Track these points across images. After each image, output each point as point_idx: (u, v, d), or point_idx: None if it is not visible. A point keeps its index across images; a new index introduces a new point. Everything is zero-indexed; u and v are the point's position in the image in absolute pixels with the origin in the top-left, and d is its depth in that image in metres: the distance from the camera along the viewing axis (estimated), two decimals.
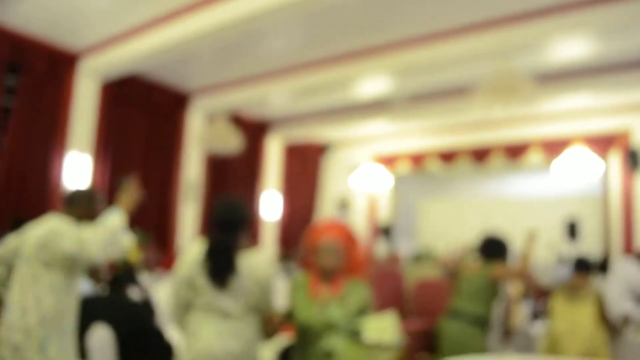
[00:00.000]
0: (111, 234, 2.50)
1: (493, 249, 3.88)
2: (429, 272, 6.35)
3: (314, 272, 2.56)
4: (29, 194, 6.52)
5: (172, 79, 8.06)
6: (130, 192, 2.63)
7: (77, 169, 6.85)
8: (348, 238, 2.58)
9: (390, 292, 5.49)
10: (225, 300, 2.26)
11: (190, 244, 2.45)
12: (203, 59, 7.23)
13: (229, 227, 2.36)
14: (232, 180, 9.49)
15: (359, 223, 11.10)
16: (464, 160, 10.06)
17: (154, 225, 7.93)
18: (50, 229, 2.46)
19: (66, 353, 2.46)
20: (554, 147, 8.99)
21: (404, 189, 11.72)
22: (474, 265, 3.91)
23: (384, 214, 11.11)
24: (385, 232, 10.65)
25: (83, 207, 2.69)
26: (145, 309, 3.41)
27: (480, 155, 9.91)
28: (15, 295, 2.41)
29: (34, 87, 6.65)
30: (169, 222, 8.30)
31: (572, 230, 8.79)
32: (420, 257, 7.26)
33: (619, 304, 4.27)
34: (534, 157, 9.39)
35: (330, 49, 6.81)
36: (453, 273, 4.02)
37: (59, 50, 6.79)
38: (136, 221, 7.46)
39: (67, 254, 2.40)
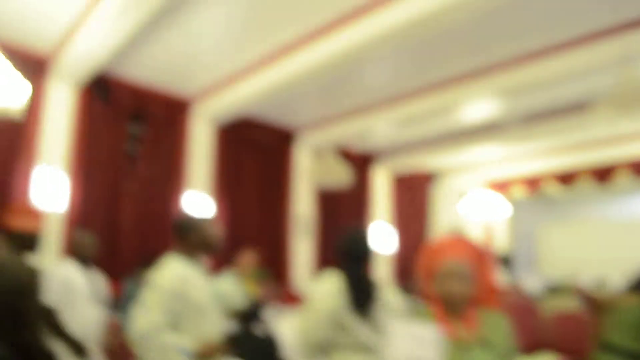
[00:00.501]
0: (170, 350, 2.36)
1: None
2: (568, 305, 5.86)
3: (435, 304, 2.04)
4: (154, 233, 6.96)
5: (279, 118, 8.32)
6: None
7: (197, 208, 7.22)
8: (477, 257, 2.10)
9: (524, 327, 5.10)
10: (367, 334, 2.20)
11: (318, 279, 2.40)
12: (307, 95, 7.41)
13: (362, 258, 2.33)
14: (342, 214, 9.53)
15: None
16: (585, 180, 9.40)
17: (269, 260, 8.10)
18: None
19: None
20: None
21: (521, 215, 11.13)
22: (630, 298, 3.46)
23: (501, 242, 10.59)
24: (504, 261, 10.13)
25: (195, 237, 2.62)
26: (272, 344, 3.44)
27: (603, 174, 9.22)
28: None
29: (155, 134, 7.16)
30: (283, 257, 8.44)
31: None
32: (557, 289, 6.74)
33: None
34: None
35: (433, 75, 6.71)
36: (600, 305, 3.59)
37: (175, 97, 7.27)
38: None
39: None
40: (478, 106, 7.34)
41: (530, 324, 5.15)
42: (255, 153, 8.34)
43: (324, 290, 2.29)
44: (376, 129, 8.42)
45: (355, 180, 8.81)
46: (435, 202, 11.42)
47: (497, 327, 2.01)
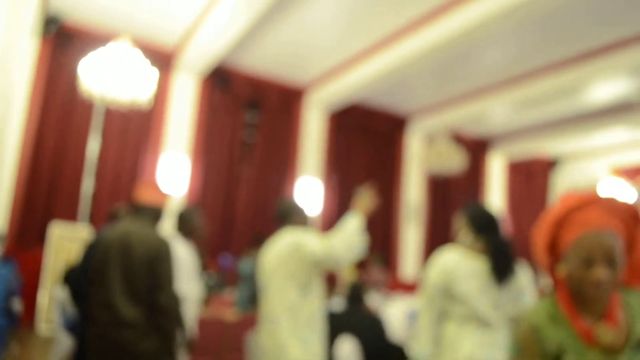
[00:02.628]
0: (352, 237, 2.49)
1: None
2: None
3: (563, 291, 1.36)
4: (269, 216, 7.18)
5: (390, 104, 8.24)
6: (367, 199, 2.61)
7: (308, 193, 7.35)
8: (632, 223, 1.38)
9: None
10: (498, 305, 2.12)
11: (438, 254, 2.33)
12: (419, 80, 7.28)
13: (494, 227, 2.23)
14: (454, 201, 9.28)
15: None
16: None
17: (378, 247, 8.08)
18: (292, 241, 2.56)
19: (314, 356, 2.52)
20: None
21: None
22: None
23: None
24: None
25: (297, 219, 2.77)
26: (378, 324, 3.42)
27: None
28: (266, 308, 2.58)
29: (270, 121, 7.40)
30: (393, 244, 8.39)
31: None
32: None
33: None
34: None
35: (556, 53, 6.31)
36: None
37: (289, 86, 7.45)
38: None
39: (316, 258, 2.47)
40: (606, 85, 6.80)
41: None
42: (366, 139, 8.35)
43: (438, 266, 2.22)
44: (492, 113, 8.08)
45: (469, 166, 8.53)
46: (557, 190, 10.75)
47: None
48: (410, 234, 8.63)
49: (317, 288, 2.58)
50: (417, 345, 2.24)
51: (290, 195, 7.36)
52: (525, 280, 2.22)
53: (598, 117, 8.18)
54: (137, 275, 2.25)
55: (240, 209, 7.12)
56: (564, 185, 10.68)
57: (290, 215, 2.78)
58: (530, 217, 10.28)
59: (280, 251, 2.59)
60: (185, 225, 3.18)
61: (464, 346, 2.11)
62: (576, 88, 6.82)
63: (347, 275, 6.48)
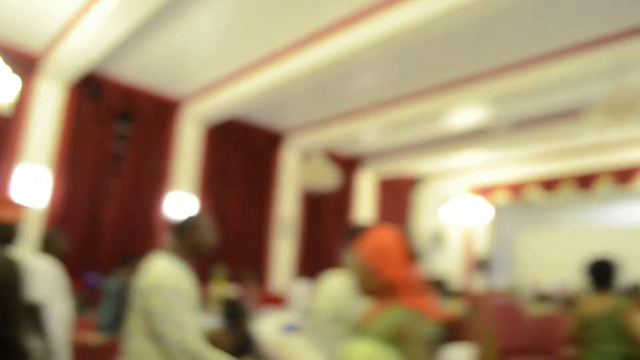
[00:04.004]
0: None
1: (605, 275, 3.42)
2: (549, 308, 6.01)
3: None
4: (136, 232, 6.90)
5: (268, 120, 8.32)
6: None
7: (181, 209, 7.14)
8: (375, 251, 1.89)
9: (511, 328, 5.17)
10: None
11: (327, 278, 2.38)
12: (297, 99, 7.43)
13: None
14: (327, 216, 9.55)
15: (455, 257, 10.77)
16: (566, 187, 9.57)
17: (251, 261, 8.10)
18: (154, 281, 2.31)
19: None
20: None
21: (502, 220, 11.26)
22: (596, 302, 3.40)
23: (481, 246, 10.71)
24: (482, 265, 10.25)
25: (191, 236, 2.50)
26: (251, 341, 3.43)
27: (585, 181, 9.39)
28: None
29: (142, 133, 7.11)
30: (264, 258, 8.45)
31: None
32: (543, 296, 6.85)
33: None
34: None
35: (422, 81, 6.78)
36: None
37: (164, 98, 7.23)
38: (233, 255, 7.75)
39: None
40: (465, 113, 7.42)
41: (517, 325, 5.24)
42: (243, 154, 8.33)
43: (331, 291, 2.28)
44: (363, 133, 8.47)
45: (341, 183, 8.83)
46: (418, 206, 11.51)
47: (381, 318, 1.75)
48: (283, 248, 8.73)
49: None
50: None
51: (161, 212, 7.11)
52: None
53: (457, 140, 8.90)
54: None
55: (107, 225, 6.73)
56: (425, 201, 11.47)
57: (183, 232, 2.50)
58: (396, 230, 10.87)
59: (142, 288, 2.35)
60: (49, 247, 2.96)
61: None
62: (438, 114, 7.36)
63: (217, 290, 6.38)
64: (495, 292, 8.67)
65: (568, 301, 7.13)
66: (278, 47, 5.86)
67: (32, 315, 2.08)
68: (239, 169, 8.27)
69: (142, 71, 6.58)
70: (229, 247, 7.79)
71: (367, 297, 1.81)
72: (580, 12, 4.92)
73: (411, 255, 1.74)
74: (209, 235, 2.55)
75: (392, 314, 1.68)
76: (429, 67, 6.34)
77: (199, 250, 2.50)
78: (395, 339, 1.64)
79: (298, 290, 7.35)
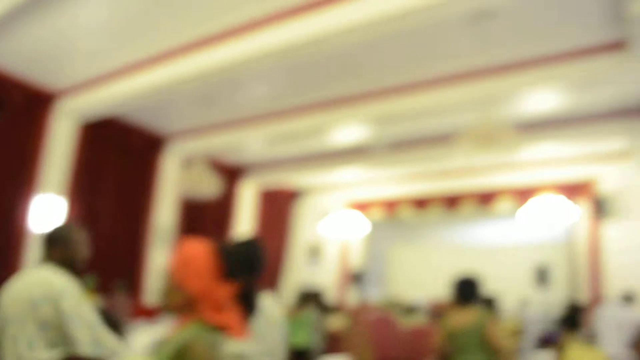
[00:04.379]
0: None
1: (468, 291, 3.74)
2: (419, 320, 6.35)
3: None
4: None
5: (149, 122, 8.00)
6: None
7: (47, 212, 6.62)
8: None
9: (384, 339, 5.39)
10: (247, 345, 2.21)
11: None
12: (181, 103, 7.24)
13: (254, 271, 2.30)
14: (206, 225, 9.36)
15: (331, 270, 11.04)
16: (435, 207, 10.22)
17: (124, 271, 7.70)
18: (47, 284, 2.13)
19: None
20: (523, 195, 9.23)
21: (377, 236, 11.75)
22: (461, 316, 3.70)
23: (356, 260, 11.08)
24: (356, 279, 10.60)
25: (63, 249, 2.30)
26: None
27: (451, 202, 10.09)
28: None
29: (9, 125, 6.47)
30: (139, 268, 8.06)
31: (542, 276, 8.95)
32: (411, 308, 7.22)
33: None
34: (504, 204, 9.61)
35: (307, 97, 6.92)
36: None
37: (38, 88, 6.66)
38: (103, 264, 7.32)
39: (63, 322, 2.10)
40: (346, 130, 7.68)
41: (391, 337, 5.46)
42: (120, 156, 7.90)
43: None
44: (247, 144, 8.44)
45: (223, 191, 8.70)
46: (298, 219, 11.66)
47: (176, 335, 1.69)
48: (159, 258, 8.40)
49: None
50: None
51: (26, 216, 6.53)
52: (273, 313, 2.34)
53: (338, 156, 9.18)
54: None
55: None
56: (305, 214, 11.66)
57: (53, 246, 2.30)
58: (275, 242, 10.95)
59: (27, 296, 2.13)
60: None
61: None
62: (322, 129, 7.56)
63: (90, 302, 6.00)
64: (372, 305, 8.97)
65: (434, 313, 7.58)
66: (165, 48, 5.67)
67: None
68: (115, 172, 7.82)
69: (15, 57, 5.99)
70: (100, 255, 7.31)
71: (173, 312, 1.72)
72: (457, 45, 5.34)
73: (221, 269, 1.69)
74: (82, 249, 2.37)
75: (187, 331, 1.63)
76: (317, 83, 6.50)
77: (72, 266, 2.30)
78: (180, 356, 1.58)
79: None
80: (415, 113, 6.62)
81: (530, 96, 6.22)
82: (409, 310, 6.72)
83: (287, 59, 5.25)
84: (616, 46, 5.14)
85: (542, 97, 6.36)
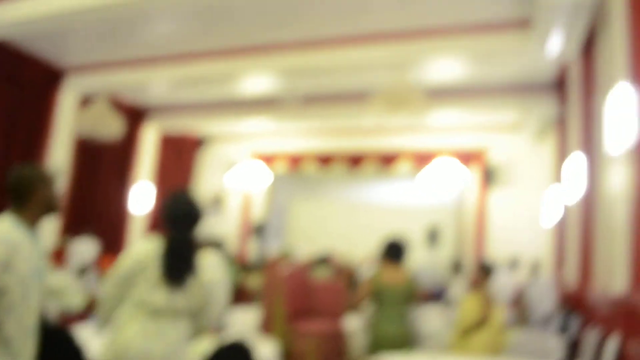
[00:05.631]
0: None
1: (398, 252, 4.16)
2: (326, 274, 6.57)
3: None
4: None
5: (47, 52, 7.35)
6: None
7: None
8: None
9: (298, 293, 5.52)
10: (169, 299, 2.19)
11: (138, 241, 2.30)
12: (83, 34, 6.70)
13: (188, 223, 2.26)
14: (103, 168, 8.95)
15: (233, 221, 11.03)
16: (339, 164, 10.45)
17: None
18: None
19: None
20: (422, 159, 9.68)
21: (280, 189, 11.85)
22: (390, 273, 4.09)
23: (258, 212, 11.15)
24: (257, 231, 10.68)
25: (39, 194, 2.07)
26: None
27: (354, 161, 10.36)
28: None
29: None
30: None
31: (433, 237, 9.52)
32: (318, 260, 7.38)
33: None
34: (403, 166, 10.03)
35: (218, 41, 6.72)
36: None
37: None
38: None
39: None
40: (257, 80, 7.59)
41: (304, 291, 5.61)
42: (10, 87, 7.23)
43: (134, 253, 2.23)
44: (152, 84, 8.11)
45: (123, 133, 8.31)
46: (201, 168, 11.45)
47: None
48: None
49: None
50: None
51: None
52: (214, 274, 2.35)
53: (245, 106, 9.05)
54: None
55: None
56: (208, 163, 11.47)
57: (25, 191, 2.07)
58: (175, 190, 10.69)
59: None
60: None
61: (127, 334, 2.16)
62: (230, 77, 7.44)
63: None
64: (274, 256, 9.06)
65: (338, 268, 7.86)
66: None
67: None
68: (4, 103, 7.16)
69: None
70: None
71: None
72: (372, 4, 5.38)
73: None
74: (55, 192, 2.16)
75: None
76: (230, 28, 6.31)
77: (46, 212, 2.11)
78: None
79: (79, 248, 6.80)
80: (328, 69, 6.66)
81: (437, 63, 6.47)
82: (315, 262, 6.93)
83: None
84: (520, 24, 5.45)
85: (446, 65, 6.64)
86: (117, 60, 7.48)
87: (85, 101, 8.11)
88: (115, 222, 9.35)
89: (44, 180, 2.09)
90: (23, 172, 2.09)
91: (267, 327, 5.09)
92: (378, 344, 3.90)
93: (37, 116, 7.66)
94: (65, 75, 7.92)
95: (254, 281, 7.14)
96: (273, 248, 10.71)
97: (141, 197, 9.80)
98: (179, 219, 2.28)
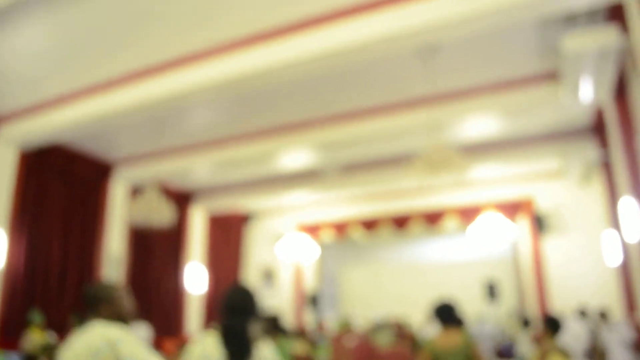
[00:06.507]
0: None
1: (451, 314, 4.06)
2: (388, 340, 6.48)
3: None
4: None
5: (96, 149, 7.84)
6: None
7: None
8: None
9: None
10: None
11: (198, 337, 2.38)
12: (128, 130, 7.15)
13: (241, 312, 2.34)
14: (157, 252, 9.22)
15: (285, 293, 11.07)
16: (385, 227, 10.46)
17: (76, 302, 7.46)
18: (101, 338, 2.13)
19: None
20: (468, 213, 9.62)
21: (329, 257, 11.89)
22: (446, 338, 3.98)
23: (310, 282, 11.16)
24: (311, 301, 10.67)
25: (109, 306, 2.30)
26: None
27: (400, 222, 10.36)
28: None
29: None
30: None
31: (492, 291, 9.31)
32: (379, 327, 7.31)
33: None
34: (450, 223, 9.97)
35: (254, 123, 7.04)
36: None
37: None
38: (54, 298, 7.10)
39: None
40: (295, 155, 7.81)
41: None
42: (65, 184, 7.66)
43: (195, 350, 2.30)
44: (195, 169, 8.43)
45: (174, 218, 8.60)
46: (249, 243, 11.65)
47: None
48: None
49: None
50: None
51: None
52: (269, 356, 2.40)
53: (287, 180, 9.29)
54: None
55: None
56: (256, 238, 11.67)
57: (97, 304, 2.28)
58: (227, 267, 10.90)
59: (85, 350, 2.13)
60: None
61: None
62: (270, 155, 7.65)
63: (34, 339, 5.79)
64: (330, 327, 9.00)
65: (400, 332, 7.73)
66: (110, 76, 5.61)
67: None
68: (60, 201, 7.56)
69: None
70: (47, 289, 7.12)
71: None
72: (405, 75, 5.60)
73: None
74: (126, 304, 2.36)
75: None
76: (264, 110, 6.62)
77: (121, 320, 2.29)
78: None
79: (137, 333, 6.95)
80: (364, 138, 6.83)
81: (471, 122, 6.56)
82: (377, 329, 6.85)
83: (231, 88, 5.29)
84: (549, 77, 5.55)
85: (482, 123, 6.72)
86: (162, 149, 7.89)
87: (135, 191, 8.50)
88: (172, 305, 9.50)
89: (117, 294, 2.30)
90: (98, 285, 2.32)
91: None
92: None
93: (91, 209, 8.05)
94: (114, 168, 8.37)
95: (299, 348, 7.05)
96: (329, 317, 10.63)
97: (195, 278, 10.00)
98: (235, 310, 2.35)
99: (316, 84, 5.82)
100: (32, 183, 7.12)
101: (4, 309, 6.48)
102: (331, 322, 10.01)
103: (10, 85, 5.91)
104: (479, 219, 9.02)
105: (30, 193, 7.10)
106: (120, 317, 2.29)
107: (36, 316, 6.19)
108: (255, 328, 2.32)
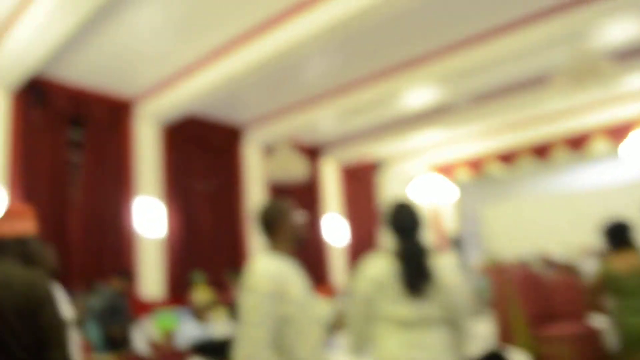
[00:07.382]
0: None
1: (625, 235, 3.63)
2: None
3: None
4: (107, 244, 6.60)
5: (225, 116, 8.14)
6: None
7: (149, 214, 6.93)
8: None
9: (535, 297, 5.19)
10: (416, 310, 2.16)
11: (367, 260, 2.35)
12: (251, 91, 7.28)
13: (415, 231, 2.26)
14: (295, 206, 9.46)
15: (426, 236, 10.90)
16: (525, 158, 9.83)
17: (228, 260, 7.91)
18: None
19: None
20: (618, 132, 8.69)
21: (467, 197, 11.47)
22: (621, 260, 3.56)
23: (450, 224, 10.87)
24: (455, 243, 10.38)
25: (284, 228, 2.29)
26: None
27: (541, 151, 9.67)
28: None
29: (97, 138, 6.77)
30: (242, 255, 8.27)
31: None
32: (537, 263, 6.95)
33: None
34: (598, 145, 9.09)
35: (373, 65, 6.79)
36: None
37: (116, 98, 6.91)
38: (209, 258, 7.59)
39: None
40: (419, 92, 7.46)
41: (540, 293, 5.24)
42: (204, 152, 8.10)
43: (367, 273, 2.25)
44: (321, 121, 8.42)
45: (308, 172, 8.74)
46: (383, 190, 11.57)
47: None
48: (260, 243, 8.59)
49: None
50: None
51: (130, 219, 6.83)
52: (451, 278, 2.23)
53: (414, 120, 8.97)
54: (10, 333, 1.67)
55: (73, 238, 6.37)
56: (389, 184, 11.54)
57: (272, 224, 2.30)
58: (364, 217, 10.92)
59: None
60: (34, 262, 2.78)
61: (388, 347, 2.17)
62: (392, 96, 7.38)
63: (201, 297, 6.22)
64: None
65: (559, 266, 7.30)
66: (226, 40, 5.73)
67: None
68: (202, 168, 8.04)
69: (89, 72, 6.24)
70: (203, 250, 7.63)
71: None
72: None
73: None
74: (299, 221, 2.37)
75: None
76: (379, 50, 6.34)
77: (293, 241, 2.32)
78: None
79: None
80: (493, 62, 6.28)
81: (619, 23, 5.76)
82: (535, 264, 6.49)
83: (344, 32, 5.14)
84: None
85: (632, 23, 5.87)
86: (285, 106, 7.97)
87: (268, 150, 8.72)
88: (316, 256, 9.75)
89: (287, 212, 2.30)
90: (268, 208, 2.32)
91: (506, 335, 4.82)
92: (630, 342, 3.40)
93: (230, 173, 8.44)
94: (244, 131, 8.64)
95: None
96: (475, 258, 10.32)
97: (335, 229, 10.15)
98: (406, 228, 2.26)
99: (432, 10, 5.41)
100: (177, 155, 7.63)
101: (170, 272, 7.09)
102: (477, 262, 9.69)
103: (139, 66, 6.26)
104: (632, 136, 8.10)
105: (177, 165, 7.62)
106: (295, 234, 2.29)
107: (199, 276, 6.69)
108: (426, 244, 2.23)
